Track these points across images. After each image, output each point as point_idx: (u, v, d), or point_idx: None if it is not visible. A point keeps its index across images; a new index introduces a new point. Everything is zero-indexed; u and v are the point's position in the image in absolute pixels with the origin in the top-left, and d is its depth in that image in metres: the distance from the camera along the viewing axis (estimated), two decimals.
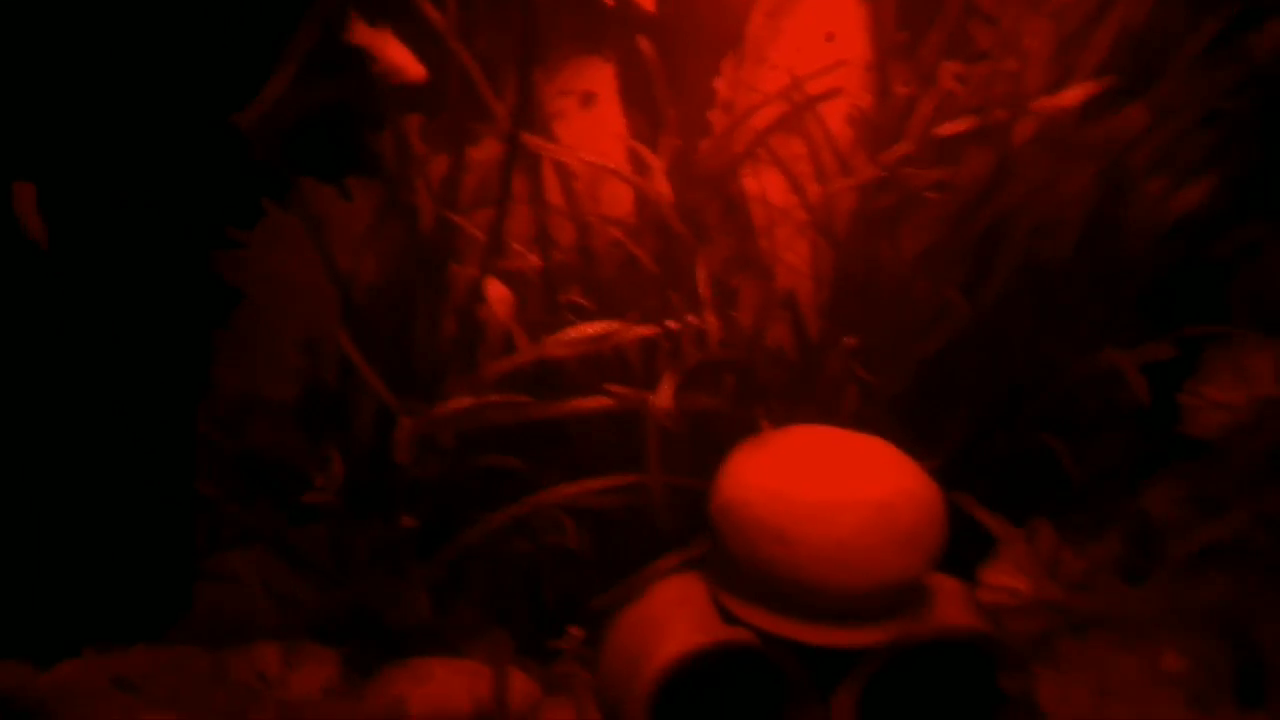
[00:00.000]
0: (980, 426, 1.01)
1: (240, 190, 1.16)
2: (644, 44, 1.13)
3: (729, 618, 0.94)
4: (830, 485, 0.92)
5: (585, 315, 1.05)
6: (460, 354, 1.03)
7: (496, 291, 0.98)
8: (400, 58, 1.02)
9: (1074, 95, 0.98)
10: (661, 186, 1.10)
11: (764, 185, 1.17)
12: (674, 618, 0.95)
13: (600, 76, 1.21)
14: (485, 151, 1.16)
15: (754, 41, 1.19)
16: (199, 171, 1.14)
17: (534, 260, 1.08)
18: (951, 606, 0.93)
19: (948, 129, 1.00)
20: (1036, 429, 0.99)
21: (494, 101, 1.07)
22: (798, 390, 1.05)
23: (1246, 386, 0.92)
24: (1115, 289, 1.04)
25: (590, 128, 1.20)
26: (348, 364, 1.08)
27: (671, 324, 0.99)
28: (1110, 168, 1.00)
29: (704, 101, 1.19)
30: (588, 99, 1.20)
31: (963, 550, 0.98)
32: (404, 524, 0.98)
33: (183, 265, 1.16)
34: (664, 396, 0.90)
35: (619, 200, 1.19)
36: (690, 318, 1.00)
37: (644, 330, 0.99)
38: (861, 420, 1.03)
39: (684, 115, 1.15)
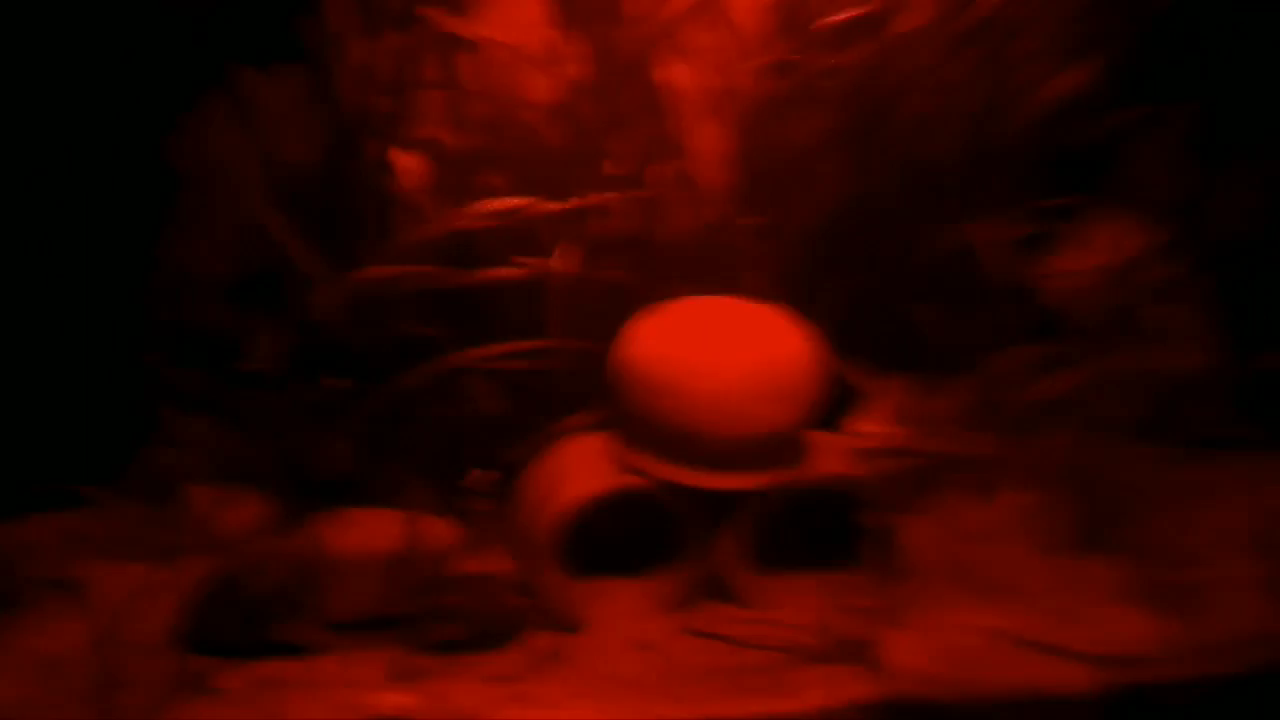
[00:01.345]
0: (863, 297, 1.10)
1: (179, 75, 1.21)
2: None
3: (626, 467, 1.03)
4: (716, 345, 1.01)
5: (498, 193, 1.12)
6: (379, 227, 1.10)
7: (404, 162, 1.04)
8: None
9: None
10: (574, 71, 1.16)
11: (675, 72, 1.23)
12: (576, 469, 1.05)
13: None
14: (407, 35, 1.21)
15: None
16: (140, 59, 1.18)
17: (446, 138, 1.14)
18: (825, 455, 1.03)
19: (831, 19, 1.06)
20: (914, 300, 1.08)
21: None
22: (698, 264, 1.13)
23: (1090, 256, 1.01)
24: (997, 170, 1.12)
25: (507, 11, 1.24)
26: (273, 235, 1.15)
27: (575, 200, 1.06)
28: (992, 55, 1.07)
29: None
30: None
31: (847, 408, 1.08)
32: (327, 385, 1.06)
33: (128, 147, 1.21)
34: (562, 262, 0.98)
35: (537, 85, 1.25)
36: (595, 195, 1.07)
37: (550, 206, 1.06)
38: (756, 292, 1.12)
39: (598, 4, 1.20)
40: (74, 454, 1.18)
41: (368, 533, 1.05)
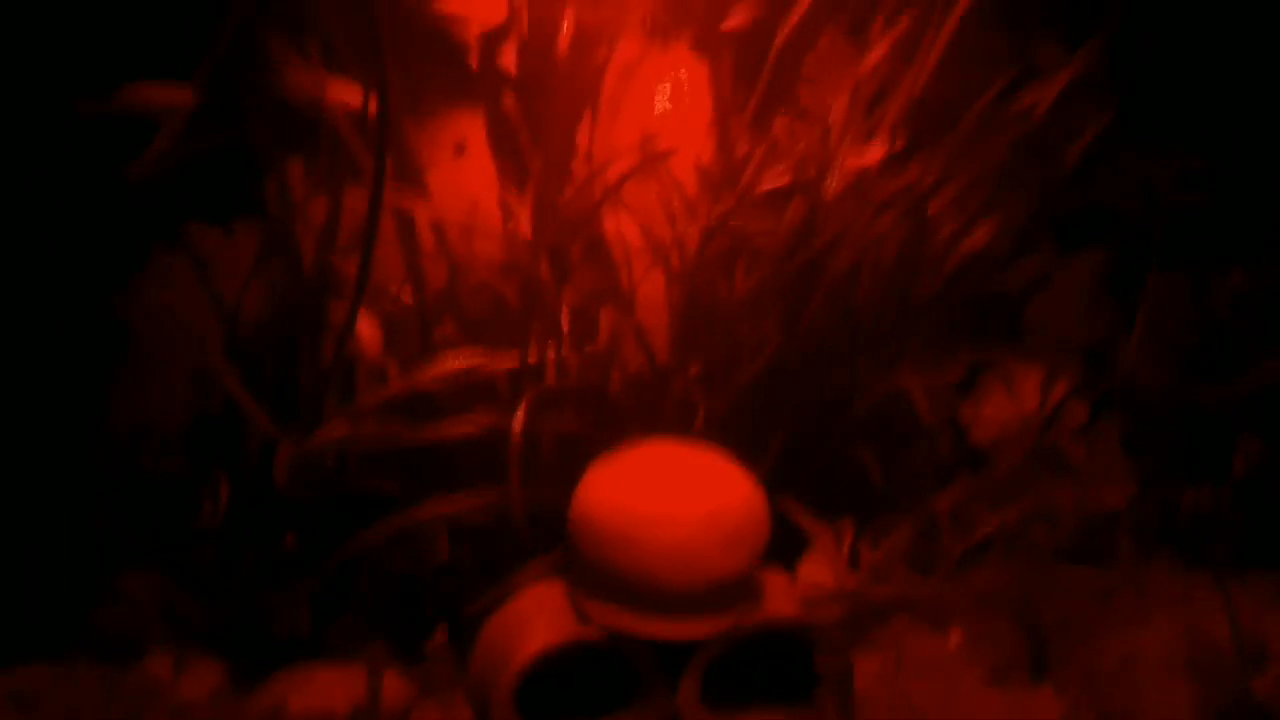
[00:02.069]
0: (803, 440, 1.16)
1: (132, 232, 1.24)
2: (508, 101, 1.25)
3: (584, 618, 1.05)
4: (668, 496, 1.04)
5: (456, 347, 1.16)
6: (339, 386, 1.12)
7: (366, 329, 1.08)
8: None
9: (873, 154, 1.13)
10: (525, 230, 1.22)
11: (622, 227, 1.30)
12: (534, 620, 1.06)
13: (471, 127, 1.32)
14: (361, 195, 1.26)
15: (610, 98, 1.32)
16: (92, 218, 1.21)
17: (406, 298, 1.18)
18: (777, 599, 1.06)
19: (766, 184, 1.15)
20: (851, 441, 1.14)
21: (361, 152, 1.18)
22: (649, 411, 1.18)
23: (1012, 400, 1.09)
24: (920, 319, 1.20)
25: (462, 175, 1.31)
26: (228, 392, 1.17)
27: (532, 356, 1.10)
28: (910, 214, 1.16)
29: (566, 152, 1.31)
30: (459, 148, 1.31)
31: (792, 544, 1.12)
32: (287, 544, 1.07)
33: (77, 305, 1.22)
34: (519, 421, 1.02)
35: (493, 240, 1.30)
36: (550, 350, 1.11)
37: (507, 361, 1.10)
38: (702, 435, 1.17)
39: (548, 164, 1.27)
40: (24, 611, 1.16)
41: (325, 692, 1.04)
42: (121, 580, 1.18)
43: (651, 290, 1.30)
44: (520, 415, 1.02)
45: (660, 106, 1.29)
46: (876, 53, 1.14)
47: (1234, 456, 1.16)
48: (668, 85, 1.31)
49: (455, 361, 1.08)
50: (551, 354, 1.13)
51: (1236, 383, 1.19)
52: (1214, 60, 1.25)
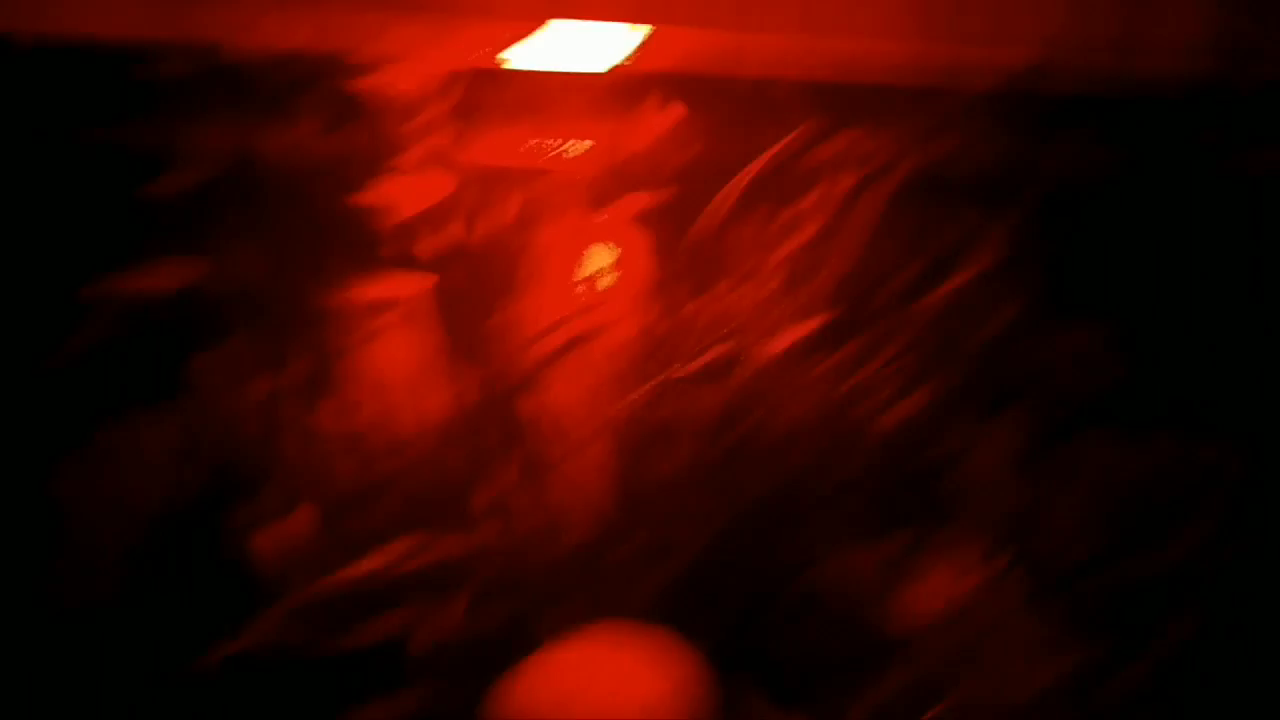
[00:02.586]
0: (740, 617, 1.14)
1: (60, 419, 1.22)
2: (436, 281, 1.26)
3: None
4: (602, 691, 1.03)
5: (372, 539, 1.14)
6: (256, 586, 1.10)
7: (264, 544, 1.07)
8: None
9: (800, 331, 1.16)
10: (454, 409, 1.21)
11: (561, 397, 1.30)
12: None
13: (398, 305, 1.32)
14: (287, 380, 1.25)
15: (552, 269, 1.34)
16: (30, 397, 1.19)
17: (318, 488, 1.17)
18: None
19: (695, 365, 1.16)
20: (788, 617, 1.13)
21: (274, 341, 1.17)
22: (580, 597, 1.17)
23: (952, 583, 1.10)
24: (851, 491, 1.20)
25: (390, 353, 1.30)
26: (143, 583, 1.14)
27: (454, 549, 1.09)
28: (835, 390, 1.18)
29: (497, 328, 1.32)
30: (386, 328, 1.31)
31: None
32: None
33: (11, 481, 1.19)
34: (444, 612, 1.00)
35: (409, 413, 1.29)
36: (468, 536, 1.10)
37: (422, 559, 1.09)
38: (640, 613, 1.15)
39: (477, 341, 1.28)
40: None
41: None
42: None
43: (583, 467, 1.30)
44: (427, 626, 1.01)
45: (602, 277, 1.31)
46: (802, 236, 1.17)
47: (1165, 629, 1.17)
48: (609, 255, 1.33)
49: (369, 562, 1.06)
50: (470, 542, 1.12)
51: (1162, 553, 1.20)
52: (1136, 236, 1.29)
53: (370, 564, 1.07)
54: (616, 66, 1.29)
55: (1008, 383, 1.24)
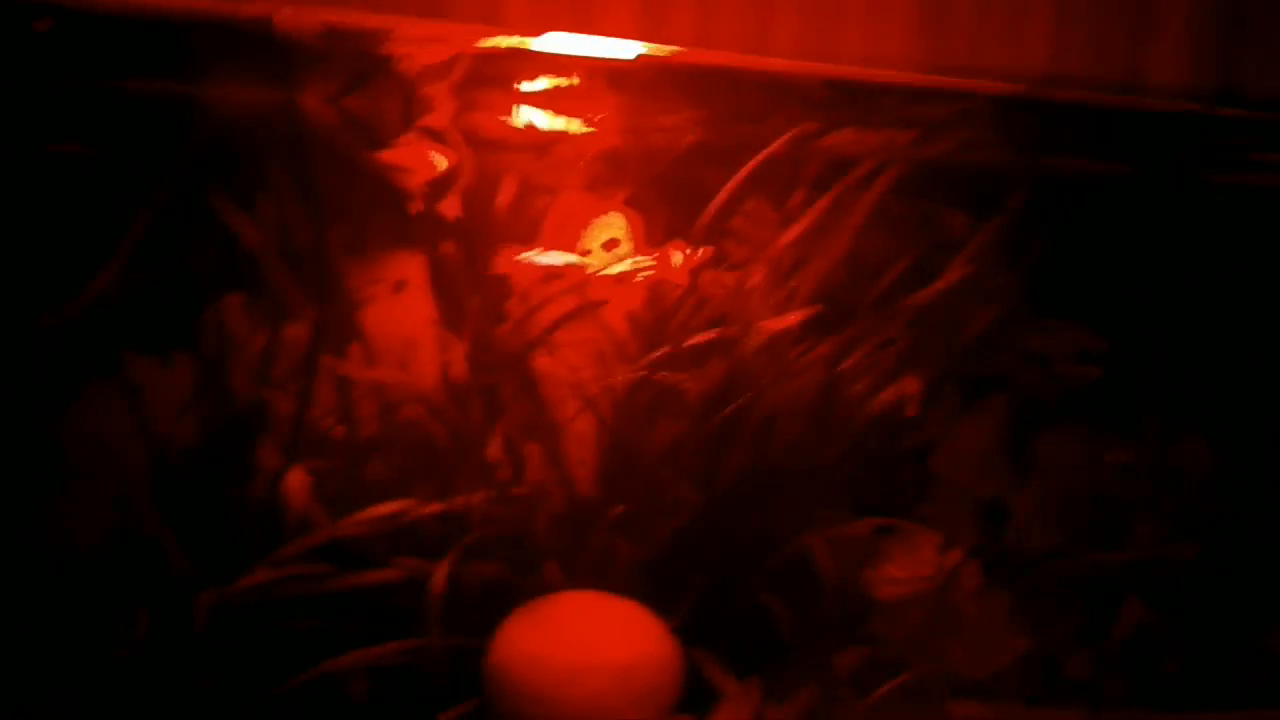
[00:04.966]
0: (716, 590, 1.20)
1: (70, 358, 1.25)
2: (447, 245, 1.30)
3: None
4: (581, 650, 1.09)
5: (385, 487, 1.19)
6: (265, 524, 1.14)
7: (295, 479, 1.11)
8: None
9: (791, 319, 1.21)
10: (459, 368, 1.26)
11: (555, 365, 1.35)
12: None
13: (412, 267, 1.37)
14: (296, 332, 1.30)
15: (546, 244, 1.38)
16: (31, 342, 1.22)
17: (337, 434, 1.21)
18: None
19: (691, 341, 1.21)
20: (762, 592, 1.19)
21: (295, 291, 1.22)
22: (571, 555, 1.22)
23: (914, 562, 1.16)
24: (831, 473, 1.26)
25: (400, 312, 1.35)
26: (156, 522, 1.18)
27: (460, 501, 1.14)
28: (823, 375, 1.23)
29: (502, 293, 1.37)
30: (399, 286, 1.35)
31: (701, 696, 1.16)
32: (201, 684, 1.08)
33: (11, 426, 1.23)
34: (439, 579, 1.05)
35: (426, 375, 1.34)
36: (475, 495, 1.15)
37: (434, 507, 1.13)
38: (624, 584, 1.21)
39: (483, 304, 1.32)
40: None
41: None
42: (35, 709, 1.17)
43: (579, 432, 1.35)
44: (443, 569, 1.06)
45: (596, 256, 1.35)
46: (797, 228, 1.22)
47: (1117, 619, 1.24)
48: (602, 235, 1.37)
49: (382, 508, 1.11)
50: (478, 498, 1.17)
51: (1120, 549, 1.27)
52: (1122, 242, 1.35)
53: (372, 514, 1.12)
54: (626, 53, 1.33)
55: (986, 376, 1.31)
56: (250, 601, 1.08)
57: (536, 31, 1.08)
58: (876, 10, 1.04)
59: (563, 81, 1.32)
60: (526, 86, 1.31)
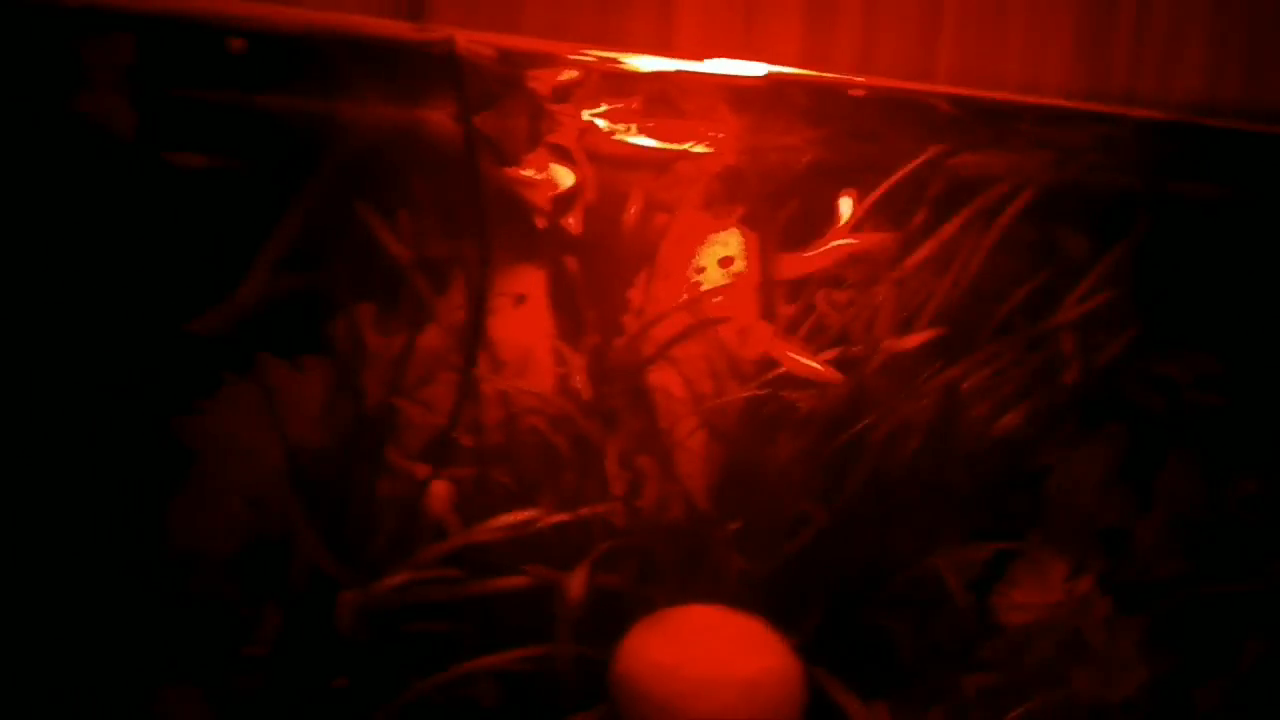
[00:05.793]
0: (837, 609, 1.21)
1: (204, 359, 1.29)
2: (568, 260, 1.33)
3: None
4: (708, 663, 1.10)
5: (509, 494, 1.22)
6: (399, 527, 1.18)
7: (436, 489, 1.14)
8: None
9: (913, 339, 1.22)
10: (579, 382, 1.28)
11: (669, 380, 1.37)
12: None
13: (532, 281, 1.40)
14: (428, 340, 1.33)
15: (664, 260, 1.40)
16: (166, 342, 1.27)
17: (466, 441, 1.24)
18: None
19: (819, 358, 1.22)
20: (882, 612, 1.19)
21: (434, 300, 1.25)
22: (689, 571, 1.23)
23: (1041, 589, 1.15)
24: (950, 495, 1.26)
25: (520, 324, 1.38)
26: (289, 523, 1.21)
27: (584, 511, 1.16)
28: (945, 397, 1.23)
29: (619, 308, 1.39)
30: (520, 300, 1.38)
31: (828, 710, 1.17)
32: (336, 684, 1.11)
33: (144, 426, 1.28)
34: (576, 587, 1.07)
35: (543, 383, 1.37)
36: (599, 506, 1.17)
37: (559, 517, 1.16)
38: (740, 599, 1.22)
39: (602, 318, 1.35)
40: None
41: None
42: (167, 698, 1.21)
43: (694, 447, 1.37)
44: (580, 576, 1.08)
45: (711, 273, 1.37)
46: (920, 254, 1.23)
47: (1242, 653, 1.22)
48: (719, 253, 1.39)
49: (511, 517, 1.13)
50: (600, 509, 1.19)
51: (1246, 581, 1.25)
52: (1237, 270, 1.34)
53: (503, 522, 1.14)
54: (751, 72, 1.35)
55: (1107, 402, 1.30)
56: (388, 604, 1.11)
57: (704, 57, 1.11)
58: (1036, 38, 1.05)
59: (685, 98, 1.34)
60: (648, 105, 1.34)
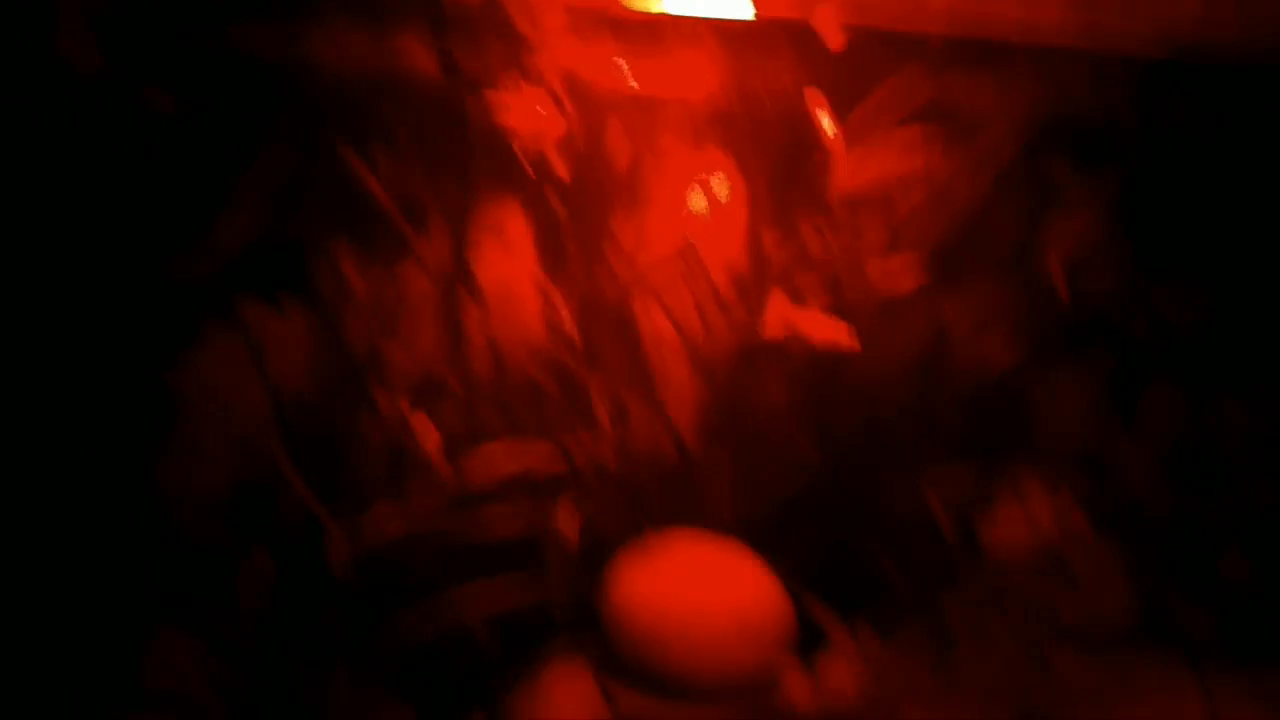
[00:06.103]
0: (824, 538, 1.22)
1: (186, 305, 1.29)
2: (551, 196, 1.31)
3: (611, 701, 1.11)
4: (697, 593, 1.11)
5: (495, 432, 1.22)
6: (385, 467, 1.18)
7: (421, 427, 1.14)
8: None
9: (901, 273, 1.21)
10: (564, 316, 1.28)
11: (653, 316, 1.37)
12: (563, 697, 1.12)
13: (512, 213, 1.39)
14: (409, 279, 1.32)
15: (647, 195, 1.39)
16: (149, 290, 1.26)
17: (453, 381, 1.24)
18: (793, 688, 1.13)
19: (809, 305, 1.21)
20: (869, 542, 1.21)
21: (415, 239, 1.24)
22: (676, 501, 1.24)
23: (1023, 511, 1.17)
24: (936, 420, 1.27)
25: (502, 258, 1.37)
26: (275, 464, 1.22)
27: (571, 447, 1.17)
28: (937, 334, 1.24)
29: (602, 241, 1.38)
30: (500, 233, 1.37)
31: (811, 637, 1.19)
32: (327, 618, 1.12)
33: (130, 372, 1.27)
34: (564, 521, 1.08)
35: (528, 321, 1.36)
36: (585, 437, 1.18)
37: (548, 457, 1.16)
38: (729, 526, 1.23)
39: (586, 252, 1.34)
40: (75, 662, 1.19)
41: None
42: (160, 639, 1.22)
43: (680, 380, 1.37)
44: (566, 507, 1.09)
45: (694, 206, 1.36)
46: (913, 196, 1.21)
47: (1219, 567, 1.24)
48: (702, 187, 1.38)
49: (501, 458, 1.14)
50: (587, 443, 1.19)
51: (1225, 500, 1.27)
52: (1222, 198, 1.33)
53: (488, 457, 1.15)
54: (741, 14, 1.32)
55: (1093, 328, 1.30)
56: (377, 540, 1.12)
57: None
58: None
59: (676, 39, 1.32)
60: (636, 44, 1.32)
